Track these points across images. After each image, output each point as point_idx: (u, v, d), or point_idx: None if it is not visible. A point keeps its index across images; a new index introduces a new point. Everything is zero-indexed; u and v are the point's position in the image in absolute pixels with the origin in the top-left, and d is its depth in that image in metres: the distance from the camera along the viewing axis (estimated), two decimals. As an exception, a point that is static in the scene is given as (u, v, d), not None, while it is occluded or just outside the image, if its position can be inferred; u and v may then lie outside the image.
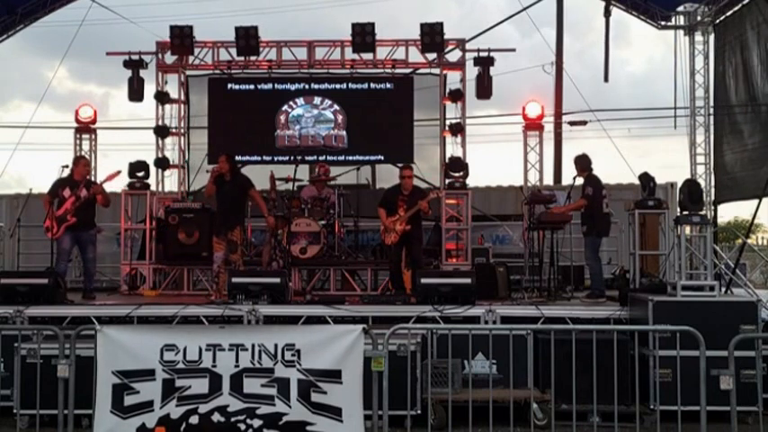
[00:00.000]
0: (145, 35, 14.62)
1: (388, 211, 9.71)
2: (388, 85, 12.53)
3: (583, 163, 9.48)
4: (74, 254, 10.11)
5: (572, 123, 18.20)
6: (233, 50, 11.97)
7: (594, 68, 57.80)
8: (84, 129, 12.37)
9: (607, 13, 12.06)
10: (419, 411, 6.97)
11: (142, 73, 12.08)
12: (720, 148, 12.58)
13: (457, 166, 11.37)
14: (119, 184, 11.35)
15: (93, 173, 12.03)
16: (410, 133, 12.36)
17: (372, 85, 12.56)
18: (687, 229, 8.57)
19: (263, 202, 10.14)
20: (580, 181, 9.49)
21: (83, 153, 12.09)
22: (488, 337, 6.98)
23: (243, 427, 6.17)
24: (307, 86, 12.58)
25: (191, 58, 12.20)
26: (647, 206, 8.92)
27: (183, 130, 12.47)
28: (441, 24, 11.42)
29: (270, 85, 12.65)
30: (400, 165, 11.05)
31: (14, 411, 6.99)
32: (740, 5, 11.87)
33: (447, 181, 11.39)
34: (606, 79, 12.44)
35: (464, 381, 7.16)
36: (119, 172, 9.89)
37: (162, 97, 12.20)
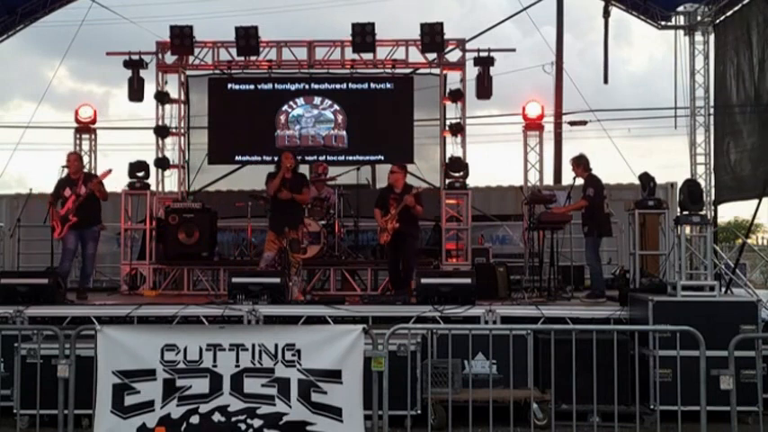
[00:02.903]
0: (145, 35, 14.62)
1: (382, 211, 9.71)
2: (388, 85, 12.53)
3: (583, 163, 9.50)
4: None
5: (572, 123, 18.25)
6: (233, 50, 11.96)
7: (596, 67, 57.71)
8: (84, 129, 12.37)
9: (606, 14, 12.04)
10: (419, 411, 6.98)
11: (142, 73, 12.06)
12: (721, 148, 12.57)
13: (457, 166, 11.37)
14: (119, 184, 11.39)
15: (92, 169, 12.05)
16: (410, 133, 12.35)
17: (372, 85, 12.55)
18: (687, 229, 8.57)
19: (307, 197, 9.90)
20: (580, 181, 9.50)
21: (81, 152, 12.08)
22: (488, 337, 6.97)
23: (243, 426, 6.18)
24: (307, 86, 12.57)
25: (191, 58, 12.19)
26: (647, 206, 8.92)
27: (183, 130, 12.46)
28: (441, 24, 11.41)
29: (270, 85, 12.64)
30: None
31: (14, 411, 6.99)
32: (740, 5, 11.85)
33: (447, 181, 11.39)
34: (606, 81, 12.44)
35: (464, 381, 7.16)
36: (110, 171, 9.86)
37: (162, 97, 12.19)
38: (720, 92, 12.57)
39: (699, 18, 12.86)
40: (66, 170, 9.70)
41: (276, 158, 9.75)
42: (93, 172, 11.82)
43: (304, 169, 11.64)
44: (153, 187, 11.80)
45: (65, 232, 9.42)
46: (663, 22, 13.17)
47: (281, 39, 12.19)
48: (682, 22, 13.11)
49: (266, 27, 11.84)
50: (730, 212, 38.20)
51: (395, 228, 9.49)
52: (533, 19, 21.69)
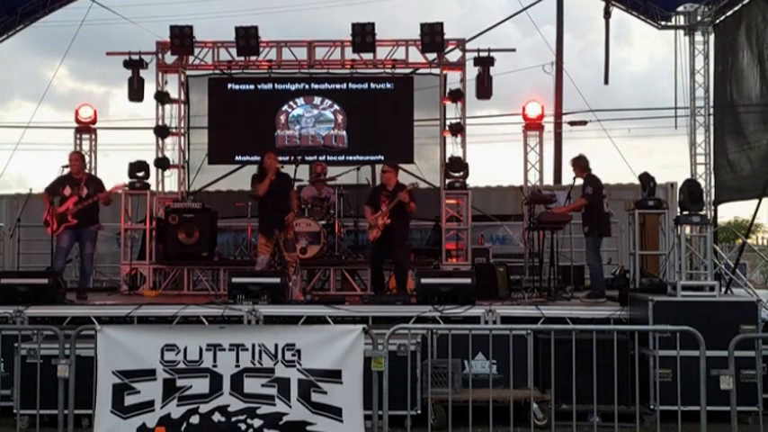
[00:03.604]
0: (145, 35, 14.62)
1: (373, 209, 9.68)
2: (388, 85, 12.54)
3: (582, 164, 9.51)
4: (74, 253, 10.10)
5: (572, 123, 18.25)
6: (233, 50, 11.96)
7: (596, 67, 57.73)
8: (85, 129, 12.37)
9: (607, 15, 12.03)
10: (419, 411, 6.98)
11: (142, 73, 12.06)
12: (721, 149, 12.57)
13: (457, 166, 11.38)
14: (119, 185, 11.36)
15: (92, 169, 12.04)
16: (410, 133, 12.37)
17: (372, 85, 12.56)
18: (687, 229, 8.57)
19: (296, 201, 10.08)
20: (580, 181, 9.51)
21: (82, 152, 12.07)
22: (488, 337, 6.96)
23: (243, 426, 6.18)
24: (307, 86, 12.58)
25: (191, 58, 12.18)
26: (647, 206, 8.92)
27: (183, 130, 12.46)
28: (441, 24, 11.41)
29: (270, 85, 12.65)
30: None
31: (14, 411, 6.98)
32: (740, 5, 11.84)
33: (447, 181, 11.40)
34: (606, 82, 12.42)
35: (464, 381, 7.15)
36: (124, 184, 9.92)
37: (162, 97, 12.19)
38: (720, 92, 12.56)
39: (699, 18, 12.86)
40: (66, 169, 9.69)
41: (260, 158, 9.78)
42: (95, 174, 11.84)
43: (304, 169, 11.70)
44: (153, 187, 11.80)
45: (60, 231, 9.40)
46: (663, 22, 13.17)
47: (281, 39, 12.20)
48: (682, 22, 13.11)
49: (266, 27, 11.86)
50: (730, 212, 38.22)
51: (386, 224, 9.45)
52: (533, 19, 21.73)
